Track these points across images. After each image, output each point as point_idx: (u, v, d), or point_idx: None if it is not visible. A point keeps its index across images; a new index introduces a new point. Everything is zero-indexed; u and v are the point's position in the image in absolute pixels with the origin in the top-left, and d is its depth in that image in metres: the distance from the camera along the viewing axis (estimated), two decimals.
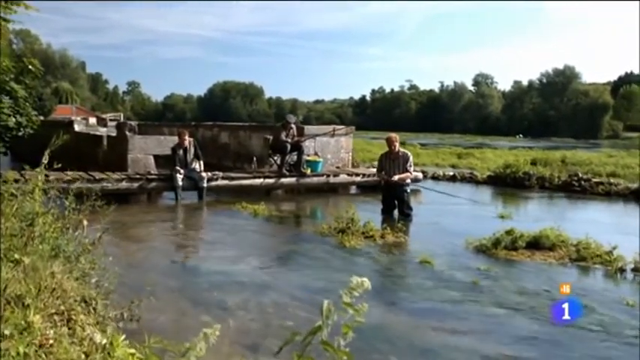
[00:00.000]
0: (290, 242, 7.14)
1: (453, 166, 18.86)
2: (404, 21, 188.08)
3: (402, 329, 4.14)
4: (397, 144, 9.03)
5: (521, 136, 73.60)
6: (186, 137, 10.20)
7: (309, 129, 12.64)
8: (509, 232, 6.65)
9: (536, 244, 6.61)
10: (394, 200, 8.97)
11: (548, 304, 4.39)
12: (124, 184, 9.50)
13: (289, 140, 11.35)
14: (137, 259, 6.01)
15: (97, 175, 9.34)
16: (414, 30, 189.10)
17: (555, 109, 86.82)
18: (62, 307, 2.60)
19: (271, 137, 11.82)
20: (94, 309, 3.06)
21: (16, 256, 3.03)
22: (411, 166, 9.02)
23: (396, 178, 8.76)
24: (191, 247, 7.02)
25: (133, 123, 10.83)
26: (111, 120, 32.56)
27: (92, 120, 31.54)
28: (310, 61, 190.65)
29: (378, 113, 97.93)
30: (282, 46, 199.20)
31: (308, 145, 11.95)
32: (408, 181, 9.03)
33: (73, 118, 37.69)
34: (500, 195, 12.54)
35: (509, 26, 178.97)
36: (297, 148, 11.45)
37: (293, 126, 11.61)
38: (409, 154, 9.14)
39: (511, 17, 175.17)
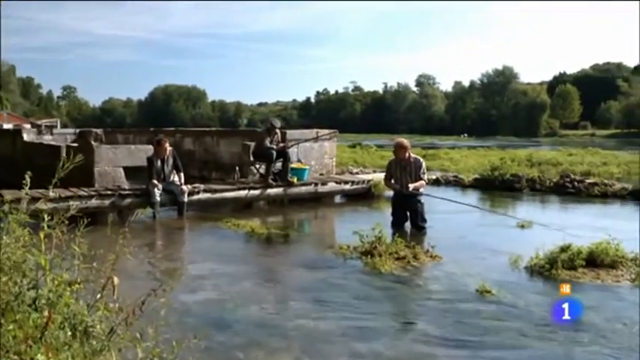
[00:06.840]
0: (311, 269, 5.97)
1: (427, 169, 18.12)
2: (345, 22, 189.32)
3: None
4: (409, 149, 8.12)
5: (465, 135, 74.79)
6: (167, 146, 8.91)
7: (291, 134, 11.56)
8: (564, 249, 5.84)
9: (593, 260, 5.84)
10: (406, 212, 8.07)
11: None
12: (94, 202, 8.14)
13: (274, 147, 10.24)
14: (133, 304, 4.74)
15: (62, 192, 7.92)
16: (355, 31, 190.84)
17: (496, 108, 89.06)
18: None
19: (253, 144, 10.67)
20: None
21: (40, 357, 1.86)
22: (424, 173, 8.16)
23: (411, 187, 7.85)
24: (194, 283, 5.71)
25: (99, 131, 9.38)
26: (47, 126, 30.21)
27: (27, 126, 29.23)
28: (252, 63, 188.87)
29: (323, 115, 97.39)
30: (223, 48, 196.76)
31: (290, 151, 10.86)
32: (422, 189, 8.14)
33: (5, 125, 35.06)
34: (489, 199, 11.84)
35: (448, 27, 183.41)
36: (283, 155, 10.35)
37: (278, 131, 10.53)
38: (421, 159, 8.26)
39: (449, 18, 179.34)
